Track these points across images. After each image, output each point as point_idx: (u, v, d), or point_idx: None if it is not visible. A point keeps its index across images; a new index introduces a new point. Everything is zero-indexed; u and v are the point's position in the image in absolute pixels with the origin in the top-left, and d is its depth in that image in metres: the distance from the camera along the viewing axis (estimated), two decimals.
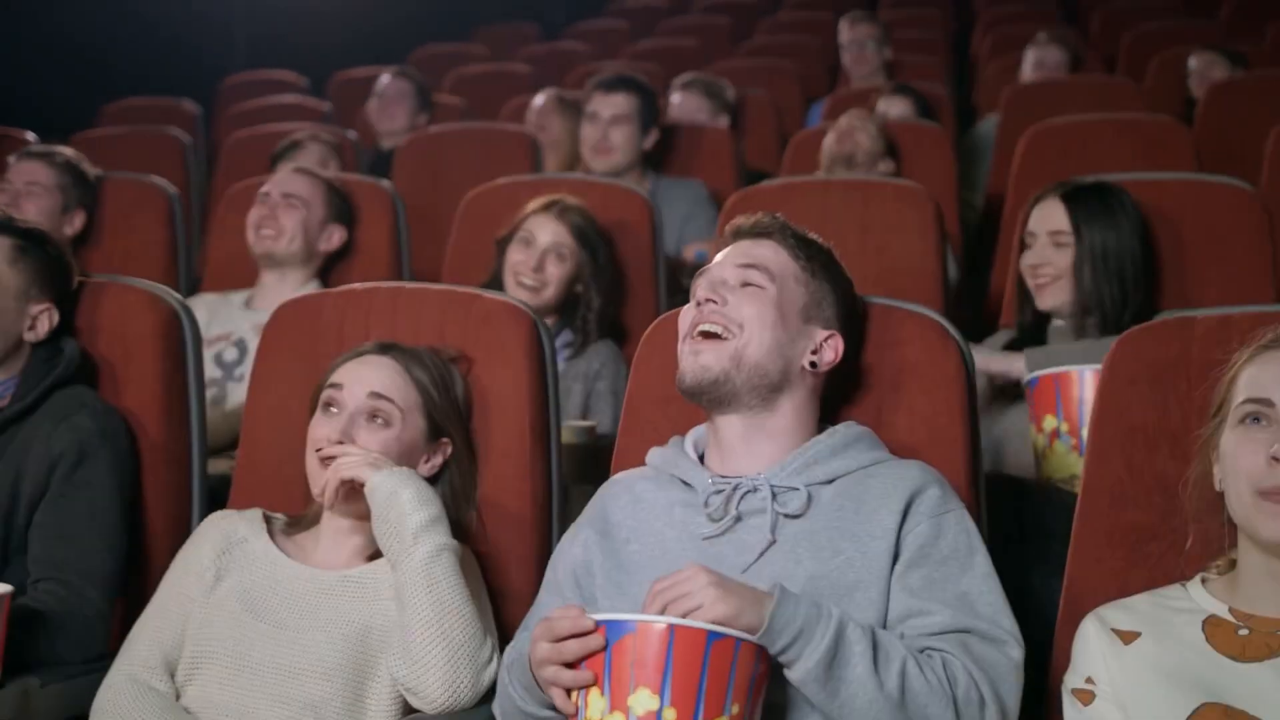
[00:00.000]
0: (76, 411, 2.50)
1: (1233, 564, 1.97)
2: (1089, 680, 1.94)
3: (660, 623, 1.73)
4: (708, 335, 2.09)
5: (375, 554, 2.27)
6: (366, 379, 2.29)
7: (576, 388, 3.32)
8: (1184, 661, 1.89)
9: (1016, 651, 1.94)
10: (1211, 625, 1.92)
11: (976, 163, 5.72)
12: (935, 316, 2.27)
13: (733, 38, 8.22)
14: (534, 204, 3.51)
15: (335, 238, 3.78)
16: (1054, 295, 3.14)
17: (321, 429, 2.28)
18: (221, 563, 2.29)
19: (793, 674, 1.84)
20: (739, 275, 2.12)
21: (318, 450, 2.26)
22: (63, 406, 2.50)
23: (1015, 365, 3.03)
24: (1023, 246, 3.22)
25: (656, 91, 4.82)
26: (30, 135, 5.67)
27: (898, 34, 7.53)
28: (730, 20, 8.61)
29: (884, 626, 1.96)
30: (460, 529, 2.31)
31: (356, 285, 2.63)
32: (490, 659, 2.13)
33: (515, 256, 3.46)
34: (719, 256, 2.17)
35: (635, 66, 7.13)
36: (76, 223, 3.94)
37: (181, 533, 2.56)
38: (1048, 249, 3.14)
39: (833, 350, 2.14)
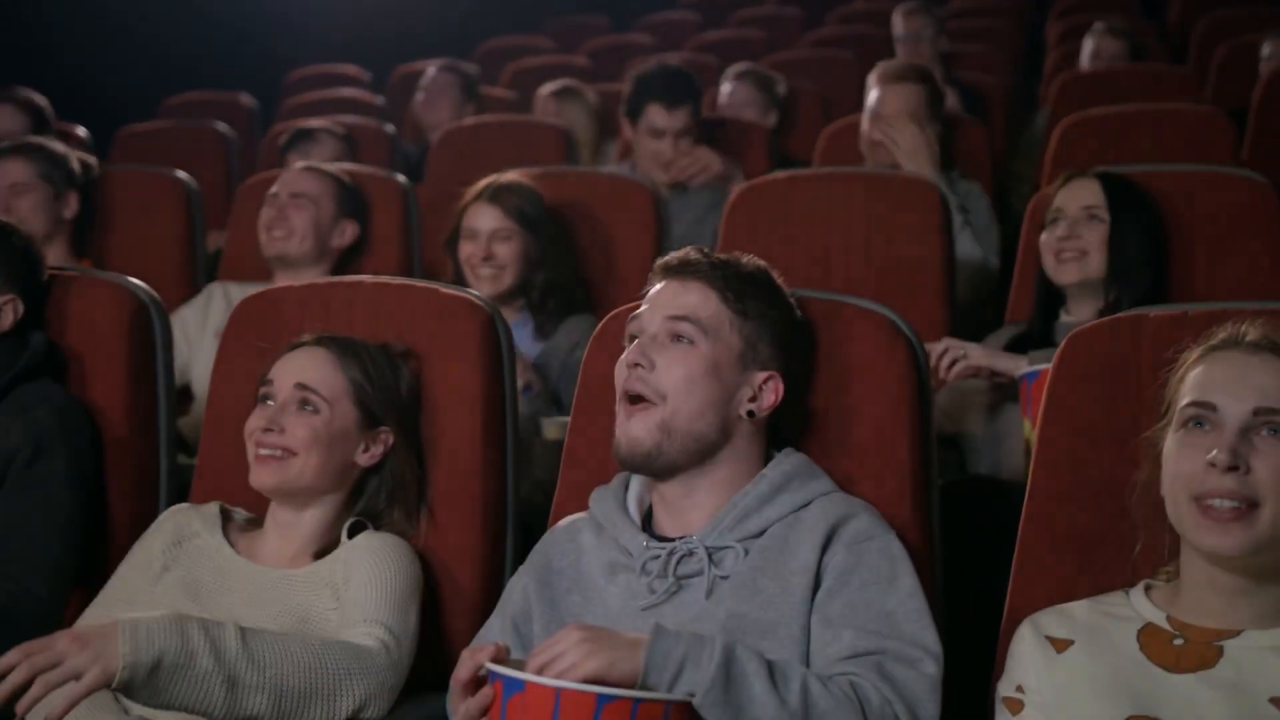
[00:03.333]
0: (36, 405, 2.50)
1: (1179, 572, 1.89)
2: (1019, 689, 1.88)
3: (548, 685, 1.66)
4: (637, 400, 2.03)
5: (321, 551, 2.27)
6: (295, 370, 2.29)
7: (554, 367, 3.28)
8: (1115, 671, 1.82)
9: (933, 668, 1.88)
10: (1147, 634, 1.85)
11: (1032, 155, 5.59)
12: (885, 312, 2.19)
13: (803, 28, 8.12)
14: (469, 195, 3.47)
15: (348, 233, 3.77)
16: (1079, 270, 3.05)
17: (253, 420, 2.29)
18: (170, 555, 2.29)
19: (695, 704, 1.77)
20: (668, 328, 2.05)
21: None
22: (24, 400, 2.51)
23: (1019, 365, 2.94)
24: (1043, 227, 3.13)
25: (700, 85, 4.74)
26: (82, 130, 5.76)
27: (968, 23, 7.40)
28: (802, 11, 8.51)
29: (805, 663, 1.90)
30: (401, 522, 2.31)
31: (318, 280, 2.61)
32: (378, 669, 2.08)
33: (465, 251, 3.45)
34: (647, 301, 2.10)
35: (694, 58, 7.08)
36: (73, 204, 3.89)
37: (145, 527, 2.54)
38: (1079, 224, 3.06)
39: (772, 392, 2.07)
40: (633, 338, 2.09)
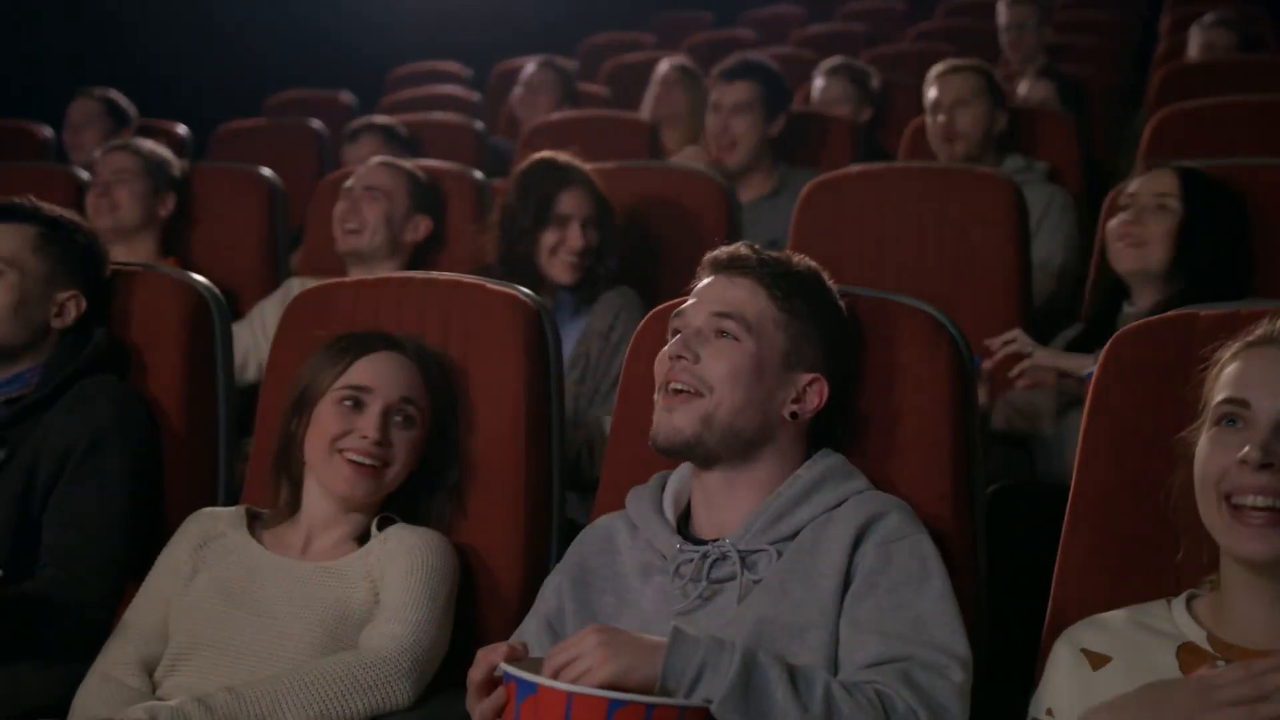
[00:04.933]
0: (95, 399, 2.53)
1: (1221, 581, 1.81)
2: (1049, 712, 1.81)
3: (560, 689, 1.64)
4: (679, 392, 2.00)
5: (356, 546, 2.27)
6: (395, 381, 2.31)
7: (596, 346, 3.26)
8: None
9: (960, 675, 1.82)
10: (1186, 653, 1.77)
11: (1134, 150, 5.45)
12: (930, 310, 2.14)
13: (909, 21, 8.02)
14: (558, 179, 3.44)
15: (421, 228, 3.80)
16: (1136, 259, 2.98)
17: (342, 425, 2.29)
18: (198, 557, 2.30)
19: (713, 711, 1.74)
20: (713, 324, 2.01)
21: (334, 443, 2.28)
22: (83, 394, 2.54)
23: (1085, 364, 2.87)
24: (1115, 213, 3.06)
25: (782, 77, 4.70)
26: (182, 128, 5.86)
27: (1077, 14, 7.25)
28: (908, 5, 8.40)
29: (834, 668, 1.86)
30: (434, 517, 2.32)
31: (369, 276, 2.62)
32: (409, 668, 2.12)
33: (551, 238, 3.40)
34: (694, 295, 2.07)
35: (794, 53, 7.03)
36: (169, 204, 4.05)
37: None
38: (1147, 211, 2.99)
39: (817, 395, 2.03)
40: (676, 332, 2.06)
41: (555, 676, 1.70)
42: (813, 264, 2.10)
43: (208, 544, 2.31)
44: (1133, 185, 3.06)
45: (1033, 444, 3.03)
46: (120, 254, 3.77)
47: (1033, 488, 2.80)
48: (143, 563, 2.41)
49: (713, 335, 2.01)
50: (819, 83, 5.50)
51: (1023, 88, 5.13)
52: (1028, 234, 3.36)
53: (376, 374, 2.30)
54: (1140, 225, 2.97)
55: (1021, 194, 3.36)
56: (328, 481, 2.29)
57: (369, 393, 2.29)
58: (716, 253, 2.09)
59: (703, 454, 2.00)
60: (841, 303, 2.10)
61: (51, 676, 2.31)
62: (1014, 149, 4.26)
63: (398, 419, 2.29)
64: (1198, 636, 1.77)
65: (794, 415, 2.02)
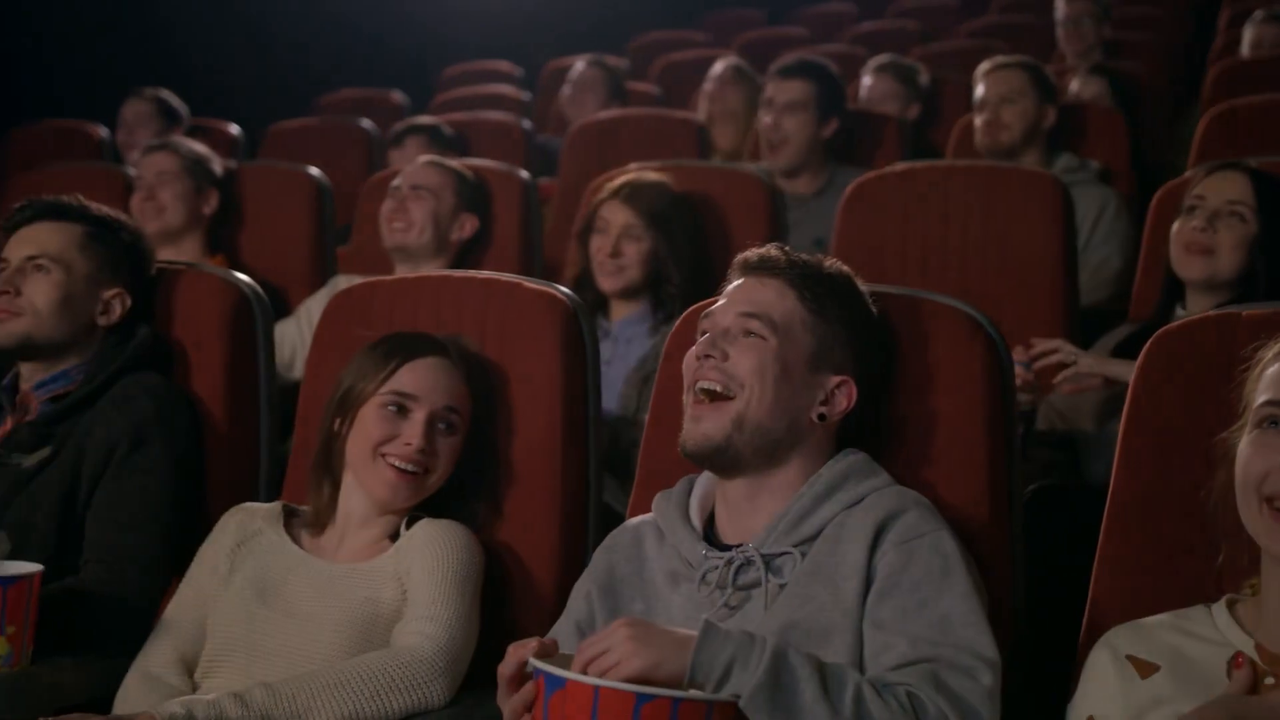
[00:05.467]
0: (138, 396, 2.55)
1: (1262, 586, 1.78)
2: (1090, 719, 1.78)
3: (587, 683, 1.65)
4: (708, 395, 1.99)
5: (388, 545, 2.29)
6: (440, 389, 2.31)
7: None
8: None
9: (989, 677, 1.80)
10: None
11: (1186, 148, 5.39)
12: (967, 309, 2.12)
13: (962, 17, 7.96)
14: (605, 190, 3.47)
15: (467, 227, 3.81)
16: (1205, 267, 2.88)
17: (387, 431, 2.30)
18: (236, 556, 2.32)
19: (741, 706, 1.73)
20: (741, 325, 2.01)
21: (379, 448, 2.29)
22: (126, 391, 2.56)
23: (1130, 371, 2.82)
24: (1179, 215, 2.97)
25: (838, 77, 4.68)
26: (234, 128, 5.91)
27: (1134, 10, 7.17)
28: (961, 1, 8.34)
29: (860, 670, 1.84)
30: (466, 515, 2.33)
31: (408, 275, 2.63)
32: (442, 669, 2.14)
33: (595, 245, 3.47)
34: (723, 297, 2.06)
35: (845, 51, 6.99)
36: (213, 201, 4.08)
37: None
38: (1219, 218, 2.89)
39: (845, 398, 2.01)
40: (705, 333, 2.05)
41: (585, 668, 1.71)
42: (844, 268, 2.09)
43: (245, 542, 2.33)
44: (1199, 187, 2.95)
45: (1079, 445, 3.00)
46: (167, 254, 3.81)
47: (1074, 488, 2.76)
48: (184, 559, 2.42)
49: (740, 335, 2.01)
50: (866, 80, 5.48)
51: (1075, 84, 5.09)
52: (1074, 233, 3.32)
53: (422, 381, 2.31)
54: (1211, 233, 2.88)
55: (1068, 192, 3.32)
56: (369, 485, 2.30)
57: (415, 400, 2.29)
58: (747, 254, 2.08)
59: (731, 458, 1.99)
60: (873, 307, 2.08)
61: (93, 671, 2.33)
62: (1065, 147, 4.22)
63: (441, 426, 2.30)
64: (1244, 645, 1.73)
65: (822, 417, 2.00)
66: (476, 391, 2.35)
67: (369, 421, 2.30)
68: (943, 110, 5.49)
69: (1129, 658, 1.77)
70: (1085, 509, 2.53)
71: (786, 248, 2.08)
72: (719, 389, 1.99)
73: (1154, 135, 5.25)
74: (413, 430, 2.28)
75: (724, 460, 1.99)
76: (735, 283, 2.07)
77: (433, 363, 2.33)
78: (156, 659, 2.28)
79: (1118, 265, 3.85)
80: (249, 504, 2.42)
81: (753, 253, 2.08)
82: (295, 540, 2.33)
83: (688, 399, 2.03)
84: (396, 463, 2.27)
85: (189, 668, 2.27)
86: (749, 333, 2.00)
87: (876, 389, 2.08)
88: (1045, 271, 3.24)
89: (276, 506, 2.38)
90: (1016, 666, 2.02)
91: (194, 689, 2.25)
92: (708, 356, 2.00)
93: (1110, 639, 1.81)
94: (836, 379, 2.01)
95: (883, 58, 5.61)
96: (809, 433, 2.00)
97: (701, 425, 1.99)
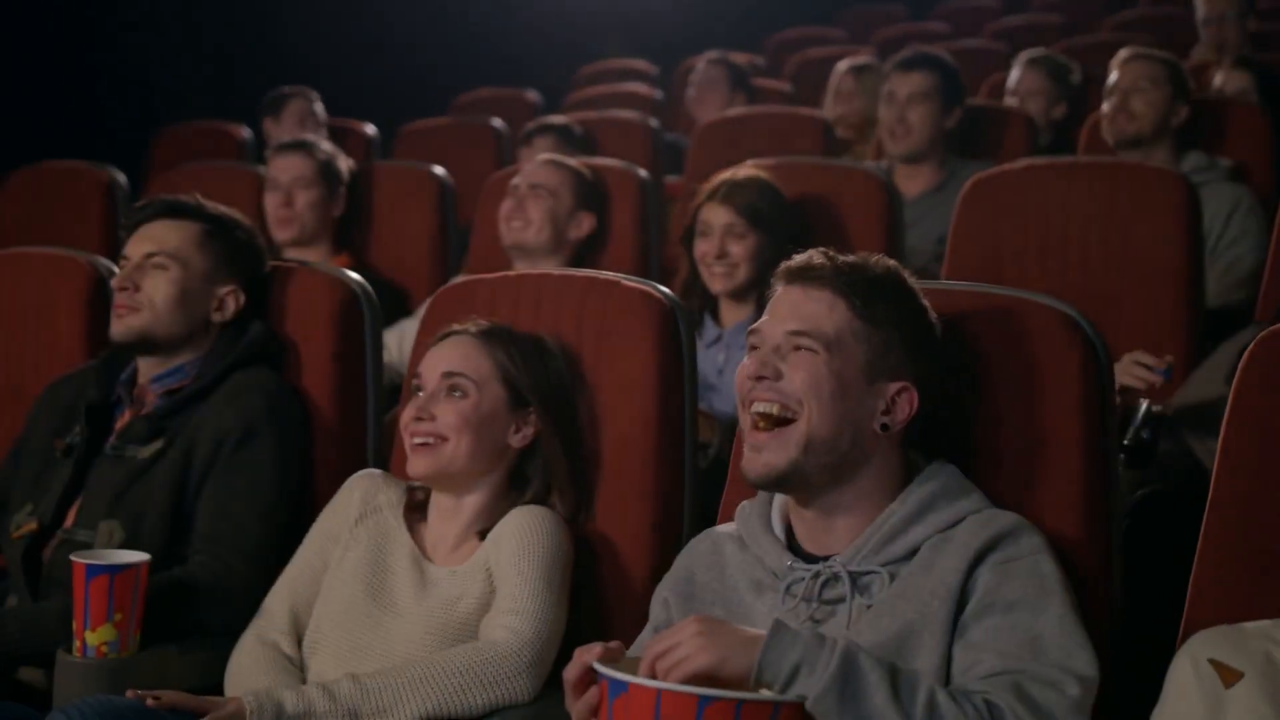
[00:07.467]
0: (249, 391, 2.61)
1: None
2: None
3: (649, 686, 1.64)
4: (765, 419, 1.94)
5: (483, 532, 2.32)
6: (441, 359, 2.35)
7: None
8: None
9: (1076, 690, 1.75)
10: None
11: None
12: (1065, 309, 2.06)
13: (1108, 11, 7.78)
14: (703, 193, 3.45)
15: (584, 225, 3.83)
16: None
17: (406, 411, 2.37)
18: (356, 531, 2.36)
19: (808, 708, 1.71)
20: (790, 342, 1.95)
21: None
22: (238, 386, 2.62)
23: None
24: None
25: (957, 69, 4.62)
26: (370, 128, 6.01)
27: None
28: None
29: (945, 678, 1.81)
30: (557, 507, 2.35)
31: (510, 272, 2.65)
32: (527, 665, 2.15)
33: (700, 248, 3.44)
34: (769, 310, 2.00)
35: (986, 45, 6.89)
36: (341, 204, 4.15)
37: None
38: None
39: (907, 404, 1.95)
40: (754, 348, 2.00)
41: (653, 664, 1.70)
42: (891, 263, 2.02)
43: (366, 518, 2.37)
44: None
45: (1204, 452, 2.91)
46: (294, 255, 3.89)
47: (1183, 495, 2.68)
48: (290, 552, 2.46)
49: (790, 351, 1.95)
50: (1015, 73, 5.36)
51: (1219, 79, 4.93)
52: (1200, 232, 3.23)
53: (431, 359, 2.37)
54: None
55: (1195, 190, 3.23)
56: (408, 468, 2.35)
57: (422, 378, 2.36)
58: (790, 262, 2.02)
59: (799, 482, 1.94)
60: (926, 303, 2.02)
61: (198, 660, 2.38)
62: (1196, 146, 4.10)
63: (444, 392, 2.32)
64: None
65: (885, 427, 1.95)
66: (519, 369, 2.35)
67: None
68: (1089, 108, 5.36)
69: (1211, 661, 1.71)
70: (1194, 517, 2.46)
71: (831, 252, 2.02)
72: (775, 411, 1.94)
73: None
74: (415, 404, 2.33)
75: (791, 485, 1.95)
76: (778, 291, 2.02)
77: (450, 341, 2.37)
78: (271, 623, 2.35)
79: (1250, 265, 3.73)
80: (373, 471, 2.46)
81: (796, 260, 2.01)
82: (410, 528, 2.36)
83: (744, 421, 1.98)
84: (408, 438, 2.33)
85: (300, 629, 2.33)
86: (799, 348, 1.95)
87: (945, 388, 2.01)
88: (1169, 272, 3.15)
89: (401, 491, 2.40)
90: (1114, 683, 1.96)
91: (301, 661, 2.31)
92: (761, 378, 1.95)
93: (1193, 644, 1.76)
94: (895, 386, 1.95)
95: (1036, 51, 5.48)
96: (874, 445, 1.95)
97: (764, 455, 1.94)
